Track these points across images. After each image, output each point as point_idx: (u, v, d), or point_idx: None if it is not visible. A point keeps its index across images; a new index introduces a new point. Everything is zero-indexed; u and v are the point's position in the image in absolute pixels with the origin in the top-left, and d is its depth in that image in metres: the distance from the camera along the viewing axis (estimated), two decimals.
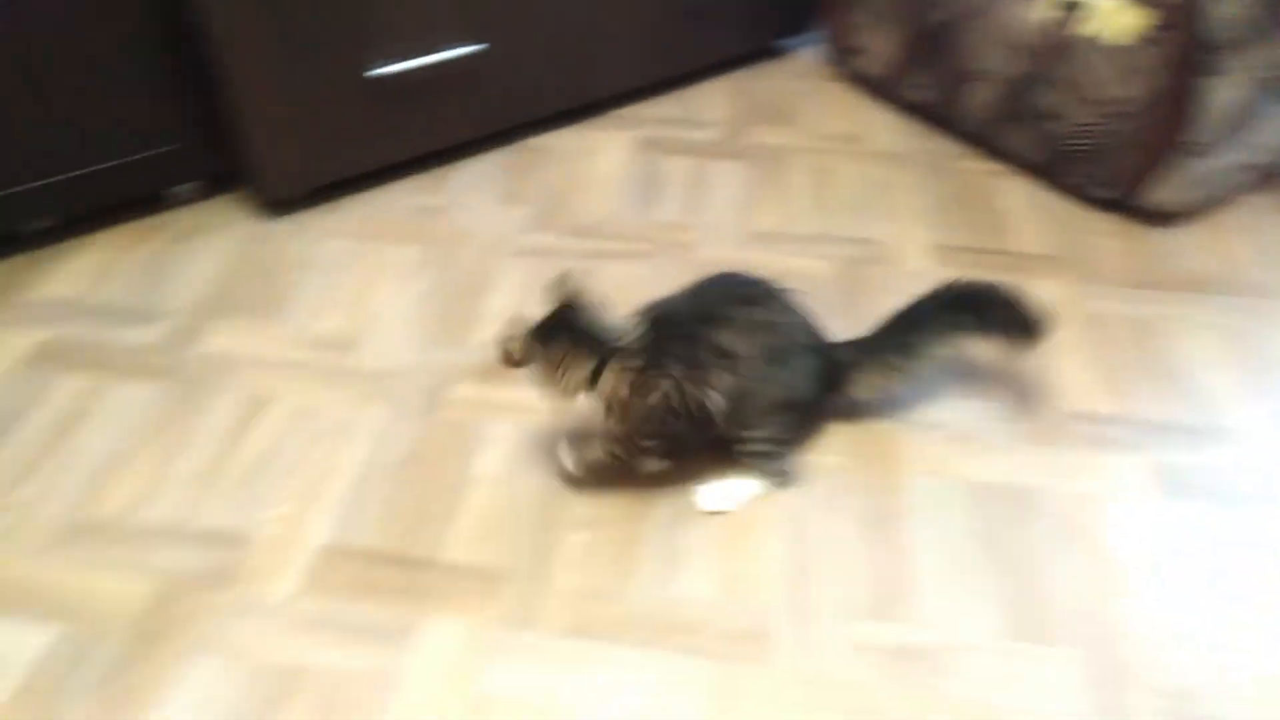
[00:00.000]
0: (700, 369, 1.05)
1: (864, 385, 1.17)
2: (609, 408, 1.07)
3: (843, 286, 1.48)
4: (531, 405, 1.25)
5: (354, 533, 1.09)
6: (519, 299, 1.44)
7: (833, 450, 1.20)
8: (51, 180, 1.47)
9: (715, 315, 1.07)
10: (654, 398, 1.05)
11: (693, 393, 1.05)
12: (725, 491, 1.14)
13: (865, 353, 1.17)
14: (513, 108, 1.77)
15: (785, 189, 1.70)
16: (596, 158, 1.78)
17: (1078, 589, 1.05)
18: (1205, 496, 1.15)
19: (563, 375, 1.06)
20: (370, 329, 1.38)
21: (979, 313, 1.17)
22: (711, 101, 1.97)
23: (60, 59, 1.39)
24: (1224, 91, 1.44)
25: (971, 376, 1.31)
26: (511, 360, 1.09)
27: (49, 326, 1.38)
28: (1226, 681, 0.96)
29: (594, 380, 1.05)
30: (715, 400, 1.06)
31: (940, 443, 1.22)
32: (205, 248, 1.54)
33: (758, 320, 1.08)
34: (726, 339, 1.05)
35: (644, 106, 1.94)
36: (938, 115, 1.87)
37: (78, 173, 1.49)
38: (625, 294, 1.43)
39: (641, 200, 1.67)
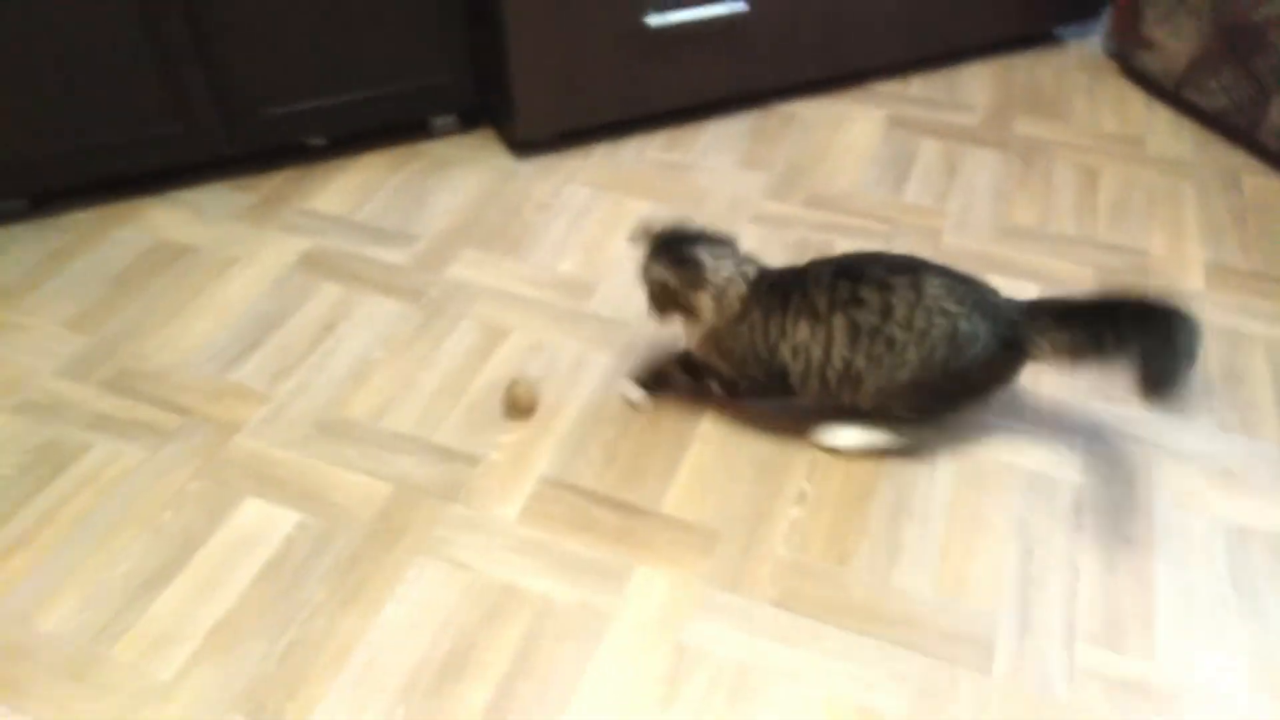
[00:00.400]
0: (782, 320, 1.03)
1: (1047, 353, 1.03)
2: (705, 337, 1.09)
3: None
4: None
5: (576, 470, 1.12)
6: None
7: (1078, 467, 1.12)
8: (330, 101, 1.58)
9: (837, 278, 1.02)
10: (741, 337, 1.06)
11: (771, 342, 1.05)
12: (850, 435, 1.11)
13: (1057, 322, 1.02)
14: (768, 71, 1.74)
15: (1047, 186, 1.59)
16: (845, 130, 1.73)
17: None
18: None
19: (667, 299, 1.08)
20: (606, 277, 1.40)
21: (1151, 338, 0.98)
22: (973, 85, 1.86)
23: None
24: None
25: (1236, 407, 1.18)
26: (520, 407, 1.16)
27: (315, 236, 1.49)
28: None
29: (691, 307, 1.07)
30: (784, 357, 1.04)
31: (1198, 475, 1.11)
32: (457, 179, 1.61)
33: (885, 296, 1.00)
34: (822, 302, 1.02)
35: (900, 83, 1.86)
36: (1233, 124, 1.69)
37: (353, 96, 1.59)
38: None
39: (888, 178, 1.60)
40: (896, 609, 0.98)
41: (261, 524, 1.06)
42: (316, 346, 1.29)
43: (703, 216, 1.52)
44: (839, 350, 1.02)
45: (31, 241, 1.48)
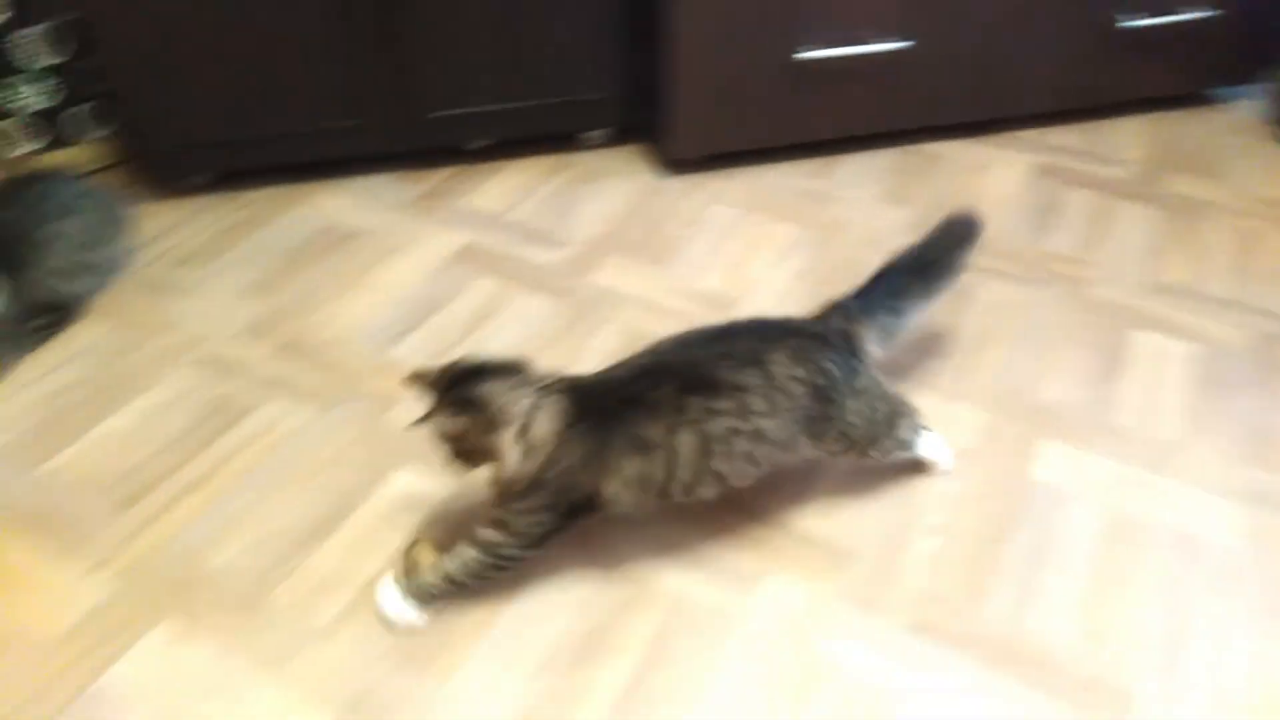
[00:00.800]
0: (603, 458, 0.93)
1: (872, 343, 1.05)
2: (513, 481, 0.94)
3: (1253, 361, 1.33)
4: None
5: None
6: None
7: (1235, 532, 1.09)
8: (497, 107, 1.66)
9: (685, 394, 0.94)
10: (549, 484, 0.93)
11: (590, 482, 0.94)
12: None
13: (862, 312, 1.06)
14: (919, 110, 1.76)
15: (1200, 245, 1.56)
16: (990, 174, 1.73)
17: None
18: None
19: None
20: (746, 294, 1.44)
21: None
22: (1126, 139, 1.83)
23: (523, 3, 1.56)
24: None
25: None
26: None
27: (473, 232, 1.56)
28: None
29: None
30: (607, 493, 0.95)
31: None
32: (608, 190, 1.67)
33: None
34: (658, 430, 0.93)
35: (1048, 131, 1.85)
36: None
37: (517, 105, 1.67)
38: (1001, 317, 1.39)
39: (1033, 225, 1.60)
40: (1033, 650, 0.97)
41: (418, 489, 1.12)
42: (470, 334, 1.35)
43: (842, 245, 1.54)
44: (686, 468, 0.93)
45: (215, 213, 1.60)
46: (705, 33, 1.53)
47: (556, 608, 1.00)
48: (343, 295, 1.42)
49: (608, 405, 0.94)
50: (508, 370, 0.93)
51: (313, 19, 1.48)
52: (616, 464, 0.93)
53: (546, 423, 0.91)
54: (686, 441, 0.93)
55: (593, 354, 1.32)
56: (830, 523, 1.09)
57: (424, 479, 1.13)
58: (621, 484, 0.94)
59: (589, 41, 1.62)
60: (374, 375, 1.28)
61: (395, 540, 1.07)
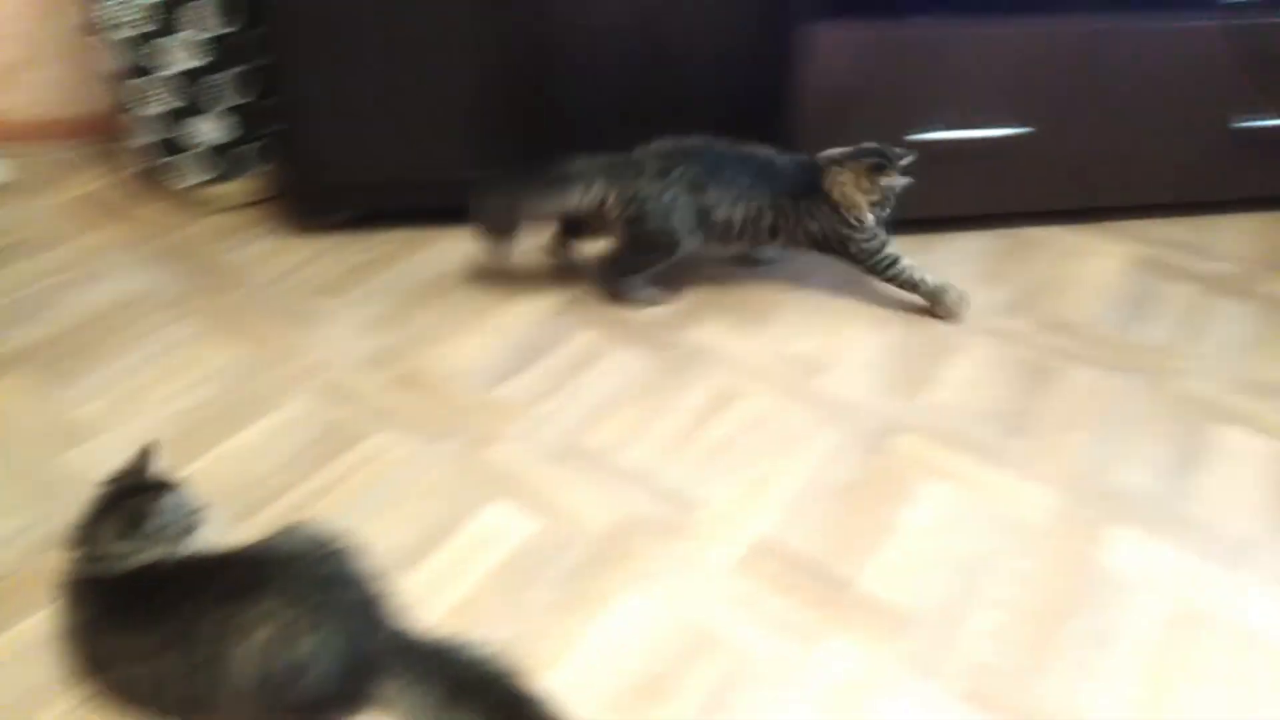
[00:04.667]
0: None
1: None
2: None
3: None
4: (972, 476, 1.29)
5: (788, 534, 1.21)
6: (974, 374, 1.47)
7: None
8: None
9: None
10: None
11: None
12: None
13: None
14: (1022, 194, 1.80)
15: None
16: (1088, 261, 1.75)
17: None
18: None
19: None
20: (838, 361, 1.50)
21: None
22: (1232, 236, 1.84)
23: (675, 61, 1.68)
24: None
25: None
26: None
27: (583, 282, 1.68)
28: None
29: None
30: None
31: None
32: None
33: None
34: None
35: (1154, 224, 1.86)
36: None
37: None
38: (1084, 402, 1.41)
39: (1129, 315, 1.61)
40: None
41: (505, 525, 1.22)
42: (571, 379, 1.46)
43: (931, 325, 1.59)
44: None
45: (351, 249, 1.76)
46: (828, 104, 1.64)
47: (624, 649, 1.07)
48: (457, 335, 1.55)
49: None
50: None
51: (473, 77, 1.64)
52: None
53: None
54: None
55: (684, 408, 1.41)
56: (895, 586, 1.14)
57: (514, 516, 1.23)
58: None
59: (729, 106, 1.73)
60: (480, 411, 1.39)
61: (479, 572, 1.15)
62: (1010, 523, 1.23)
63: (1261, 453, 1.34)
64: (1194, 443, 1.36)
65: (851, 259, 1.58)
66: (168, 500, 0.97)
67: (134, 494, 0.96)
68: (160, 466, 1.02)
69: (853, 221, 1.54)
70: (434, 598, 1.13)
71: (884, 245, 1.58)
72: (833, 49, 1.58)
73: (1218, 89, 1.74)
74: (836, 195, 1.54)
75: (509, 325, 1.57)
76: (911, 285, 1.59)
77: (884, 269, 1.58)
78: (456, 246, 1.77)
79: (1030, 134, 1.69)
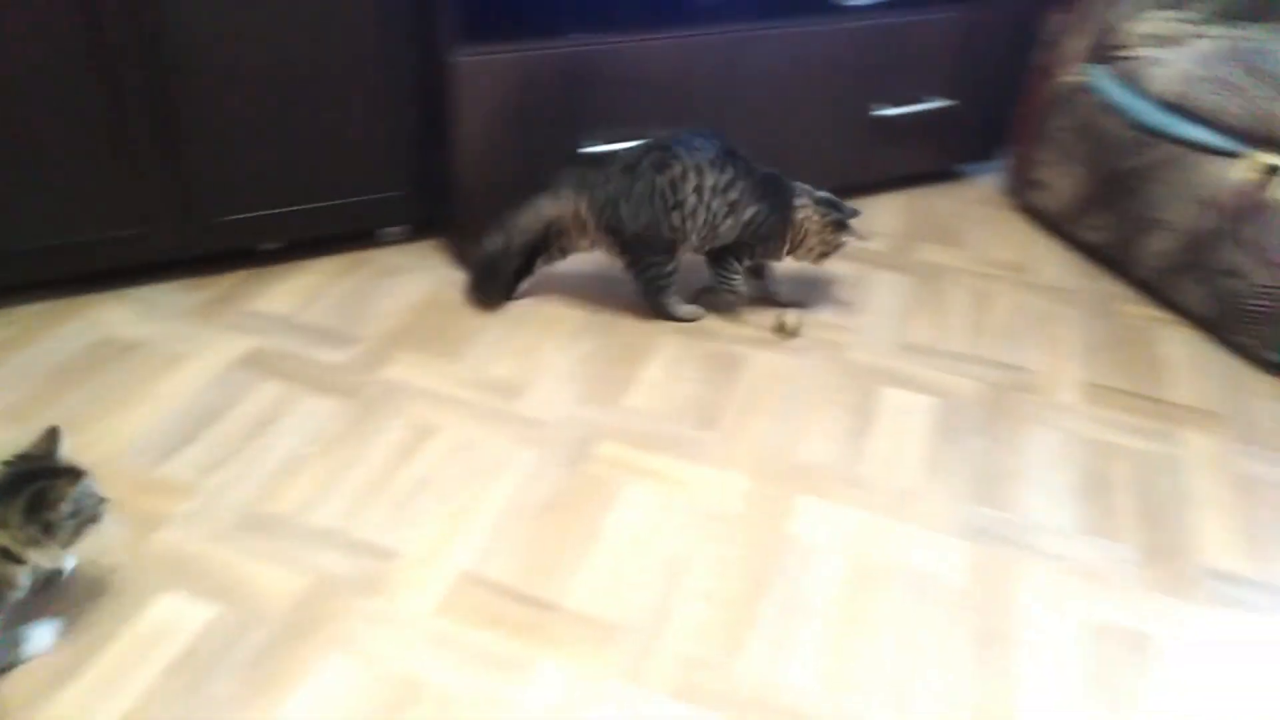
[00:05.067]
0: None
1: None
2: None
3: (982, 409, 1.49)
4: (671, 474, 1.33)
5: (491, 565, 1.18)
6: (667, 373, 1.53)
7: (956, 567, 1.21)
8: (288, 209, 1.69)
9: None
10: None
11: None
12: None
13: None
14: None
15: (943, 307, 1.73)
16: None
17: None
18: None
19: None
20: (535, 380, 1.50)
21: None
22: (886, 214, 2.03)
23: (313, 104, 1.61)
24: None
25: (1101, 512, 1.30)
26: (786, 330, 1.56)
27: (260, 336, 1.56)
28: None
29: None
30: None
31: (1062, 574, 1.21)
32: (403, 285, 1.72)
33: None
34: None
35: None
36: (1110, 257, 1.87)
37: (309, 205, 1.70)
38: (767, 386, 1.50)
39: (803, 298, 1.74)
40: (785, 704, 1.04)
41: (175, 618, 1.09)
42: (250, 442, 1.35)
43: (629, 326, 1.63)
44: None
45: None
46: (490, 127, 1.62)
47: (323, 710, 1.00)
48: (115, 412, 1.39)
49: None
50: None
51: (85, 126, 1.47)
52: None
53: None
54: None
55: (378, 453, 1.34)
56: (603, 597, 1.15)
57: (186, 605, 1.11)
58: None
59: (379, 140, 1.68)
60: (140, 495, 1.26)
61: (148, 676, 1.04)
62: (708, 513, 1.27)
63: (919, 408, 1.49)
64: (864, 408, 1.48)
65: (717, 265, 1.65)
66: (80, 488, 0.99)
67: (42, 477, 0.98)
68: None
69: (775, 251, 1.63)
70: (97, 711, 1.00)
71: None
72: (479, 76, 1.57)
73: (856, 83, 1.93)
74: (800, 223, 1.60)
75: (174, 393, 1.43)
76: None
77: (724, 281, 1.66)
78: (111, 312, 1.59)
79: None
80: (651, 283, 1.61)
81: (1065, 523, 1.29)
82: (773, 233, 1.59)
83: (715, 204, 1.54)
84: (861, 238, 1.66)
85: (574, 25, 1.68)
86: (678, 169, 1.51)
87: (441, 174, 1.70)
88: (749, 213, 1.56)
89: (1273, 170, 1.53)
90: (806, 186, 1.62)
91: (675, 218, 1.54)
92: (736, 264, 1.63)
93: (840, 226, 1.60)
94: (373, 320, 1.62)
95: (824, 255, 1.63)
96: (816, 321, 1.68)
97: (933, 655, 1.10)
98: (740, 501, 1.30)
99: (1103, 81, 1.82)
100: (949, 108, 2.03)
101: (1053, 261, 1.90)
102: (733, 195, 1.54)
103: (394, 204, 1.76)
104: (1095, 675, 1.09)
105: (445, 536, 1.22)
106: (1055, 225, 1.99)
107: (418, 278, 1.74)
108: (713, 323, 1.66)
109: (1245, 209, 1.57)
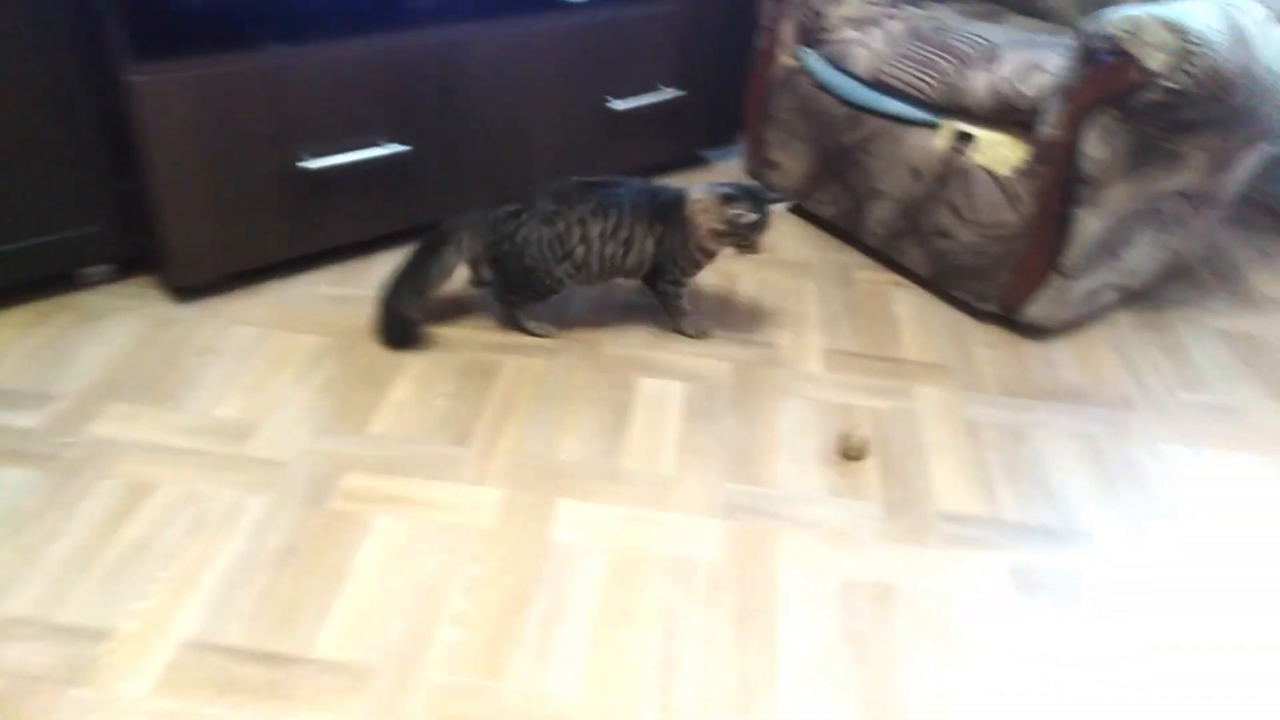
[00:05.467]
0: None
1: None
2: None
3: (736, 388, 1.53)
4: (423, 498, 1.26)
5: (221, 628, 1.07)
6: (416, 392, 1.46)
7: (715, 546, 1.23)
8: None
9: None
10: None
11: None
12: None
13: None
14: (438, 204, 1.83)
15: (692, 292, 1.76)
16: None
17: (930, 686, 1.07)
18: (1054, 595, 1.19)
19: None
20: (268, 417, 1.38)
21: None
22: None
23: None
24: (1091, 221, 1.54)
25: (847, 473, 1.36)
26: (853, 454, 1.39)
27: None
28: None
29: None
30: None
31: (816, 540, 1.25)
32: (110, 330, 1.54)
33: None
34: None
35: None
36: (843, 229, 1.97)
37: None
38: (524, 386, 1.47)
39: (553, 298, 1.71)
40: (548, 716, 1.01)
41: None
42: None
43: (374, 346, 1.55)
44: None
45: None
46: (187, 148, 1.48)
47: None
48: None
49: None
50: None
51: None
52: None
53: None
54: None
55: (82, 524, 1.19)
56: (352, 640, 1.07)
57: None
58: None
59: (69, 174, 1.49)
60: None
61: None
62: (464, 532, 1.22)
63: (673, 395, 1.50)
64: (621, 401, 1.47)
65: (661, 287, 1.62)
66: None
67: None
68: None
69: (695, 253, 1.57)
70: None
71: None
72: (162, 94, 1.43)
73: (587, 78, 1.92)
74: (693, 218, 1.54)
75: None
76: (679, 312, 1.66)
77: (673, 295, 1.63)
78: None
79: (411, 151, 1.70)
80: (515, 304, 1.61)
81: (815, 489, 1.34)
82: (678, 242, 1.55)
83: (609, 249, 1.54)
84: (754, 213, 1.50)
85: (267, 35, 1.57)
86: (561, 225, 1.51)
87: (141, 203, 1.54)
88: (650, 241, 1.55)
89: (965, 137, 1.66)
90: (715, 183, 1.56)
91: (565, 267, 1.54)
92: (673, 274, 1.60)
93: (728, 200, 1.50)
94: (74, 373, 1.44)
95: (738, 241, 1.53)
96: (569, 319, 1.66)
97: (694, 638, 1.11)
98: (497, 515, 1.25)
99: (815, 63, 1.91)
100: (681, 98, 2.07)
101: (793, 237, 1.99)
102: (624, 234, 1.54)
103: (91, 240, 1.58)
104: (848, 630, 1.13)
105: (165, 605, 1.09)
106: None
107: (126, 320, 1.57)
108: (462, 331, 1.61)
109: (947, 175, 1.69)
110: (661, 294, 1.62)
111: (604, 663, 1.07)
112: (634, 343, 1.62)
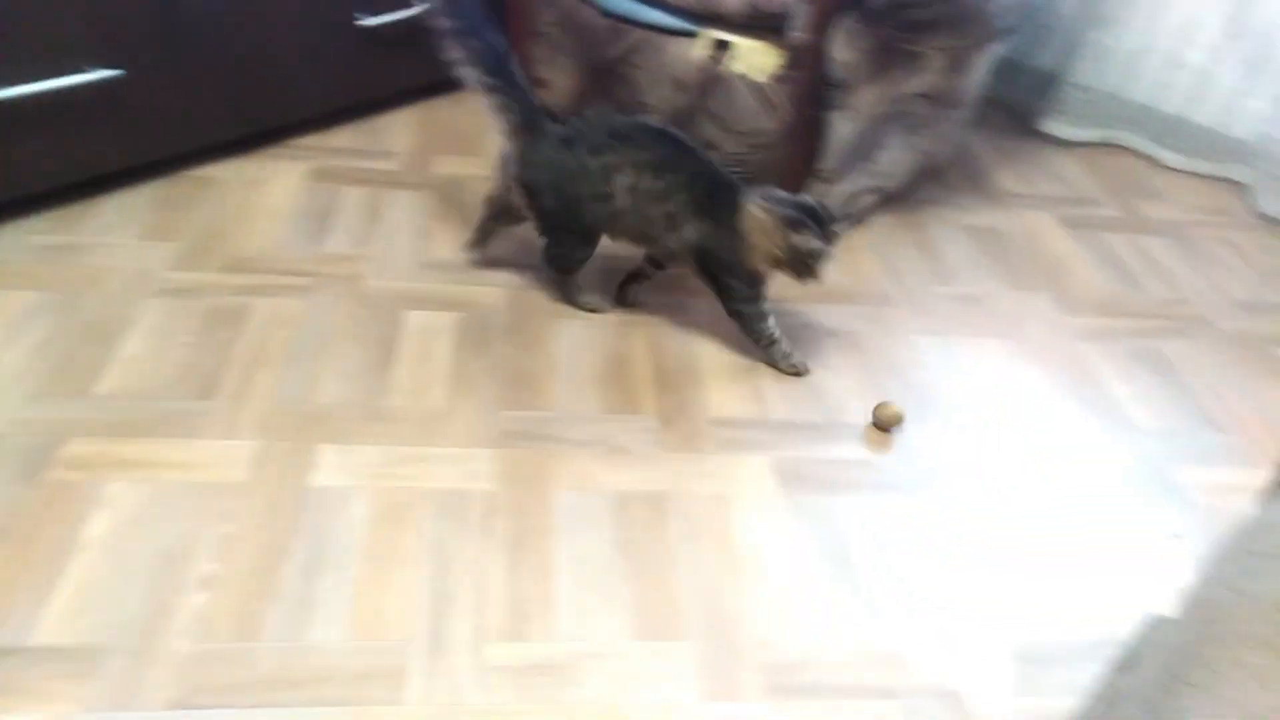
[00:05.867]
0: None
1: None
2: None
3: (510, 314, 1.48)
4: (162, 459, 1.15)
5: None
6: (153, 344, 1.32)
7: (486, 476, 1.19)
8: None
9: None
10: None
11: None
12: None
13: None
14: (165, 137, 1.64)
15: (467, 219, 1.69)
16: (265, 189, 1.69)
17: (701, 584, 1.10)
18: (818, 486, 1.25)
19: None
20: None
21: None
22: (398, 131, 1.93)
23: None
24: (843, 124, 1.59)
25: (622, 389, 1.36)
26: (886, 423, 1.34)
27: None
28: (826, 650, 1.04)
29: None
30: None
31: (590, 459, 1.24)
32: None
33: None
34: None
35: (328, 136, 1.87)
36: None
37: None
38: (278, 330, 1.37)
39: (311, 232, 1.59)
40: (310, 668, 0.96)
41: None
42: None
43: (99, 298, 1.38)
44: None
45: None
46: None
47: None
48: None
49: None
50: None
51: None
52: None
53: None
54: None
55: None
56: (78, 623, 0.97)
57: None
58: None
59: None
60: None
61: None
62: (212, 491, 1.13)
63: (444, 326, 1.44)
64: (386, 338, 1.40)
65: (732, 310, 1.44)
66: None
67: None
68: None
69: (752, 268, 1.38)
70: None
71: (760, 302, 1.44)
72: None
73: None
74: (748, 235, 1.35)
75: None
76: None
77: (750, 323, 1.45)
78: None
79: (121, 76, 1.52)
80: (556, 260, 1.47)
81: (592, 409, 1.33)
82: (726, 251, 1.37)
83: (651, 212, 1.38)
84: (820, 240, 1.33)
85: None
86: (610, 158, 1.36)
87: None
88: (691, 230, 1.37)
89: (722, 45, 1.66)
90: (770, 190, 1.38)
91: (598, 210, 1.39)
92: (738, 291, 1.41)
93: (794, 225, 1.32)
94: None
95: (797, 270, 1.36)
96: (327, 256, 1.55)
97: (468, 571, 1.08)
98: (249, 469, 1.16)
99: None
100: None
101: None
102: (669, 207, 1.37)
103: None
104: (622, 541, 1.14)
105: None
106: None
107: None
108: (211, 276, 1.47)
109: (708, 85, 1.69)
110: (736, 318, 1.43)
111: (371, 608, 1.02)
112: (399, 274, 1.53)
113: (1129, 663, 0.73)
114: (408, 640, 1.00)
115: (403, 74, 1.98)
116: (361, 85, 1.92)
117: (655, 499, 1.20)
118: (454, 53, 1.40)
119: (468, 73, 1.40)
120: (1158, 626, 0.72)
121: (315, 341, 1.37)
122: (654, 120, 1.40)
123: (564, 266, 1.49)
